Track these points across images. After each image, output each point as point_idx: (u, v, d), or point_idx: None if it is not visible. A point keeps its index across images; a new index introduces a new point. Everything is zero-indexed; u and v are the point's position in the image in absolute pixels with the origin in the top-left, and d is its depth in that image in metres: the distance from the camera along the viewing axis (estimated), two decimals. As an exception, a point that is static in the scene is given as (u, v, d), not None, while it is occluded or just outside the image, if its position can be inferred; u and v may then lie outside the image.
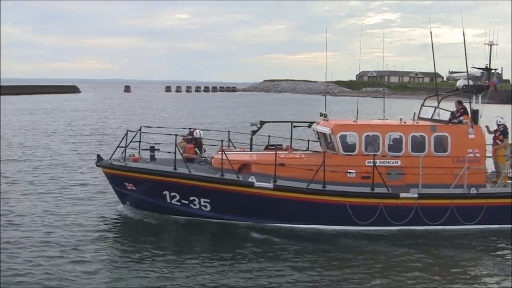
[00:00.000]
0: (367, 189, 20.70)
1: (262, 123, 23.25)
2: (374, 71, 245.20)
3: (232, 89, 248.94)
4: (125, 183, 21.83)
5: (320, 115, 22.65)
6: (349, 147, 21.46)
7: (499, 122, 22.62)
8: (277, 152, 21.59)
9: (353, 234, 20.62)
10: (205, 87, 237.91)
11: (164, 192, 21.34)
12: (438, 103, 23.62)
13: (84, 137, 49.95)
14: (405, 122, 22.18)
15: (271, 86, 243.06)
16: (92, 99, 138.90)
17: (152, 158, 22.26)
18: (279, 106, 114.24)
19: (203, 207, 21.30)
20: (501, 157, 22.28)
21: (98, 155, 22.52)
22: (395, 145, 21.63)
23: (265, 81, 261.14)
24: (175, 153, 20.92)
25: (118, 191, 22.47)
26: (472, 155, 21.58)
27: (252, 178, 20.66)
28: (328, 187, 20.58)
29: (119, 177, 21.87)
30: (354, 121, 22.11)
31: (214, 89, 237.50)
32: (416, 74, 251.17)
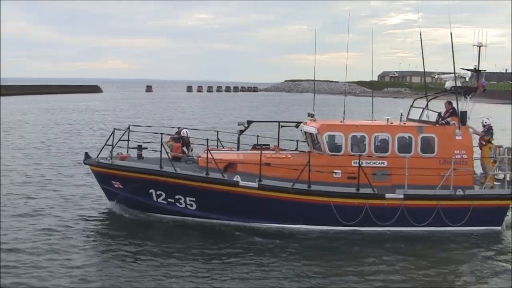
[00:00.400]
0: (352, 189, 20.68)
1: (249, 122, 23.34)
2: (396, 71, 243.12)
3: (253, 89, 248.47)
4: (112, 181, 21.98)
5: (308, 115, 22.67)
6: (335, 147, 21.45)
7: (485, 123, 22.54)
8: (264, 152, 21.72)
9: (342, 235, 20.63)
10: (226, 87, 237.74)
11: (150, 191, 21.47)
12: (426, 104, 23.57)
13: (105, 137, 49.82)
14: (392, 123, 22.16)
15: (292, 86, 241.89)
16: (113, 99, 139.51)
17: (140, 156, 22.42)
18: (300, 106, 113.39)
19: (188, 206, 21.40)
20: (486, 158, 22.17)
21: (86, 153, 22.73)
22: (382, 146, 21.57)
23: (286, 81, 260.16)
24: (160, 151, 21.09)
25: (105, 190, 22.64)
26: (459, 156, 21.47)
27: (237, 177, 20.73)
28: (313, 187, 20.58)
29: (106, 175, 22.03)
30: (341, 122, 22.13)
31: (236, 89, 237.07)
32: (438, 74, 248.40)
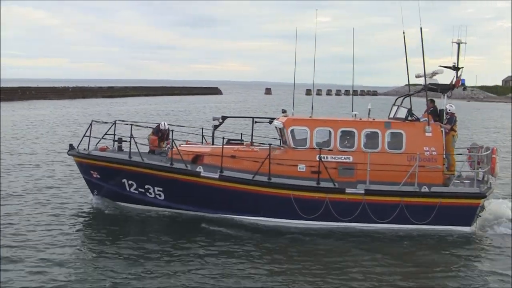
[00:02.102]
0: (313, 183, 20.65)
1: (224, 118, 23.75)
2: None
3: (373, 92, 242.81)
4: (91, 172, 23.05)
5: (282, 112, 22.91)
6: (300, 142, 21.55)
7: (449, 110, 22.05)
8: (232, 146, 22.24)
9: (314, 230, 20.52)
10: (346, 90, 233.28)
11: (123, 180, 22.33)
12: (402, 102, 23.39)
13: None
14: (360, 119, 22.04)
15: (412, 90, 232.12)
16: (234, 101, 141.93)
17: (120, 149, 23.38)
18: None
19: (157, 196, 22.07)
20: (449, 146, 21.86)
21: (70, 145, 23.91)
22: (348, 141, 21.46)
23: (406, 85, 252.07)
24: (130, 142, 21.99)
25: (87, 180, 23.67)
26: (428, 153, 20.99)
27: (200, 167, 21.23)
28: (273, 180, 20.73)
29: (86, 166, 23.12)
30: (310, 117, 22.26)
31: (355, 92, 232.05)
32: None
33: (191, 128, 26.55)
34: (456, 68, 22.17)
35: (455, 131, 22.12)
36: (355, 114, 22.11)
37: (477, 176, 21.87)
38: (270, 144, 21.57)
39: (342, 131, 21.46)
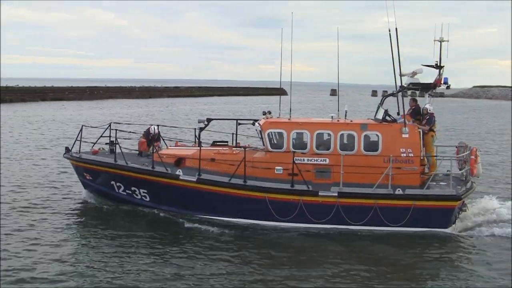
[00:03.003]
0: (287, 185, 20.79)
1: (209, 120, 24.14)
2: None
3: (440, 94, 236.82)
4: (84, 174, 24.00)
5: (263, 114, 23.09)
6: (277, 144, 21.71)
7: (430, 110, 21.95)
8: (215, 148, 22.71)
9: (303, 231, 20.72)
10: (412, 92, 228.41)
11: (111, 182, 23.17)
12: (382, 102, 23.04)
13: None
14: (338, 120, 21.97)
15: (481, 92, 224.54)
16: (298, 101, 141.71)
17: (112, 151, 24.16)
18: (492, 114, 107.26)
19: (143, 198, 22.77)
20: (429, 146, 21.61)
21: (67, 148, 24.90)
22: (324, 143, 21.46)
23: (474, 87, 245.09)
24: (115, 146, 22.73)
25: (82, 181, 24.68)
26: (405, 155, 20.75)
27: (179, 171, 21.76)
28: (249, 182, 21.01)
29: (80, 168, 24.13)
30: (288, 119, 22.36)
31: (421, 94, 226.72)
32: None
33: (186, 129, 26.94)
34: (438, 67, 21.79)
35: (434, 131, 21.75)
36: (333, 116, 22.04)
37: (461, 177, 21.60)
38: (245, 147, 21.86)
39: (318, 134, 21.50)
